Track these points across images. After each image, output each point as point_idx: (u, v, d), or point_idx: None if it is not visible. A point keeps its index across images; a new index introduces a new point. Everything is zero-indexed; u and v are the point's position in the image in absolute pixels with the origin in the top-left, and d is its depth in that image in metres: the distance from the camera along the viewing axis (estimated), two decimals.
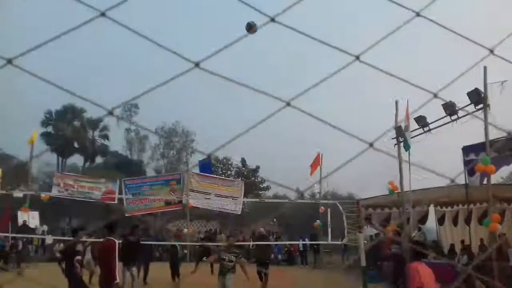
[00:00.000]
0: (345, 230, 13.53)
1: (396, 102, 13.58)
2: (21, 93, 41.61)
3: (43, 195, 23.34)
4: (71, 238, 22.14)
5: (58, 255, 10.65)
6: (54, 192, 21.59)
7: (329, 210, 17.16)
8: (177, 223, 29.63)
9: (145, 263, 13.01)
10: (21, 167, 34.73)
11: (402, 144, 13.33)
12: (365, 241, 14.10)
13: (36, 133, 27.55)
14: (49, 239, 22.30)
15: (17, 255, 18.07)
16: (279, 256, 20.63)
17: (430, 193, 14.79)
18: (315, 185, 20.95)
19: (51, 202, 26.07)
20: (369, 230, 17.80)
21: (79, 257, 8.36)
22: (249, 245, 22.82)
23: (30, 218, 22.31)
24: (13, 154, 36.54)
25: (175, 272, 12.93)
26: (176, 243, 13.66)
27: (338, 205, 13.77)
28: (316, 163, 19.70)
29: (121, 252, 10.39)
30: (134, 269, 10.30)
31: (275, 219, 28.61)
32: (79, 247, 8.71)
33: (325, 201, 17.72)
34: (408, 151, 13.13)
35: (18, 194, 24.51)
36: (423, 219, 16.36)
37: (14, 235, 19.22)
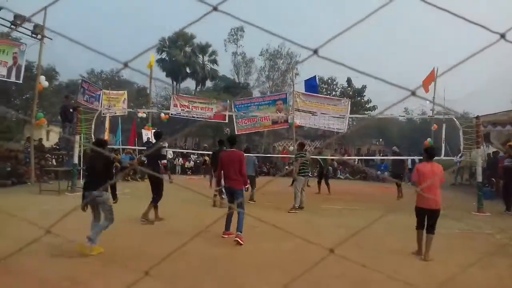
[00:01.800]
0: (461, 146, 12.87)
1: None
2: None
3: (163, 115, 25.63)
4: (187, 151, 24.54)
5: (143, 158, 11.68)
6: (172, 112, 23.33)
7: (443, 125, 16.31)
8: (283, 143, 30.83)
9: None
10: (142, 91, 38.33)
11: None
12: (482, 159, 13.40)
13: (153, 58, 29.78)
14: (169, 154, 24.81)
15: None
16: (386, 173, 20.56)
17: None
18: (428, 102, 19.86)
19: (170, 122, 28.66)
20: (486, 149, 16.77)
21: (164, 161, 8.97)
22: (354, 160, 23.08)
23: (153, 135, 24.61)
24: (134, 81, 40.32)
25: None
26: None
27: (455, 119, 12.96)
28: (430, 78, 18.49)
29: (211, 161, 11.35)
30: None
31: (381, 139, 28.20)
32: (163, 151, 9.12)
33: (440, 116, 16.74)
34: None
35: (142, 114, 27.35)
36: None
37: (140, 147, 21.56)
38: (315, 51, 1.11)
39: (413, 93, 1.15)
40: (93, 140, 13.29)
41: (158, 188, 8.49)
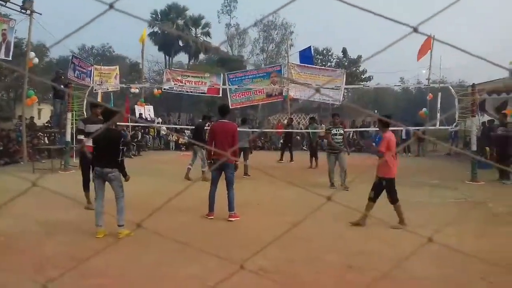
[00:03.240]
0: (456, 115, 12.79)
1: None
2: None
3: (156, 90, 25.28)
4: (181, 127, 24.34)
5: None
6: (164, 87, 22.86)
7: (439, 94, 16.17)
8: (277, 116, 30.59)
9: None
10: (134, 66, 37.74)
11: None
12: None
13: (145, 32, 29.15)
14: (163, 130, 24.61)
15: (137, 144, 19.86)
16: None
17: None
18: (423, 71, 19.65)
19: (163, 98, 28.27)
20: (481, 118, 16.75)
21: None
22: (350, 133, 22.98)
23: (146, 111, 24.31)
24: (125, 55, 39.64)
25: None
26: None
27: (451, 88, 12.87)
28: (426, 47, 18.16)
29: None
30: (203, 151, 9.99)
31: (376, 110, 28.05)
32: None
33: (435, 85, 16.56)
34: None
35: (134, 90, 26.98)
36: None
37: (134, 124, 21.18)
38: None
39: (415, 30, 1.05)
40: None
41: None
